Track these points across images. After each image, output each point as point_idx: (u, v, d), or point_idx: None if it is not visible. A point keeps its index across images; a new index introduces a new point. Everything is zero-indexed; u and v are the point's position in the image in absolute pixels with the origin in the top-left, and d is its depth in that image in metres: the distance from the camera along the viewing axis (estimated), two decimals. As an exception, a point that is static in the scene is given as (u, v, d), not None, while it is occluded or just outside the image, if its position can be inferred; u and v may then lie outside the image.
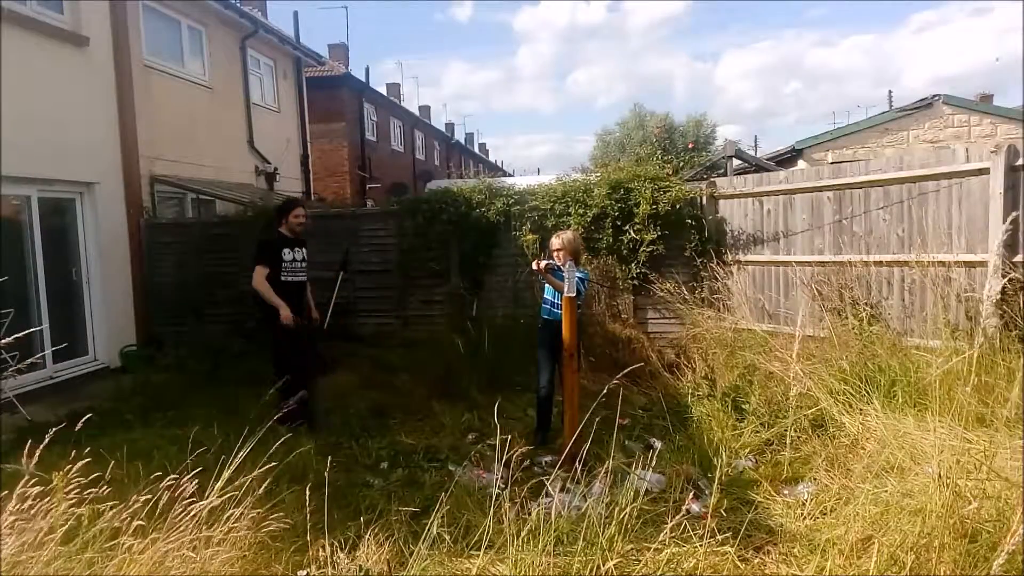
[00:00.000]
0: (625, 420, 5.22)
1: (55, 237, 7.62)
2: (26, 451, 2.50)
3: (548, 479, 3.25)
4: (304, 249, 5.62)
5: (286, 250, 5.43)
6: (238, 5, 12.44)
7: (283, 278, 5.39)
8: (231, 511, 2.61)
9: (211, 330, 8.17)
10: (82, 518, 2.47)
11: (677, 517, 2.70)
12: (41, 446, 2.51)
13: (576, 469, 3.41)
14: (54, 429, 2.71)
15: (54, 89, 7.42)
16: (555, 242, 4.90)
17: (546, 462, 4.47)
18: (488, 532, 2.77)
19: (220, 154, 11.60)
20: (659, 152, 17.43)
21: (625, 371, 3.69)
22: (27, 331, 3.20)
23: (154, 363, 7.87)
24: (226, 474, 2.69)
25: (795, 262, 6.71)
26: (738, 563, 2.92)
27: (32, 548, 2.25)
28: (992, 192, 5.35)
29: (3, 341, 2.88)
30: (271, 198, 10.98)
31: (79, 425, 2.97)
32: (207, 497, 2.60)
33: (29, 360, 4.09)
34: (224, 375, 6.86)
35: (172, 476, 2.68)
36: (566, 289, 4.33)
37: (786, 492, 3.77)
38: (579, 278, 4.55)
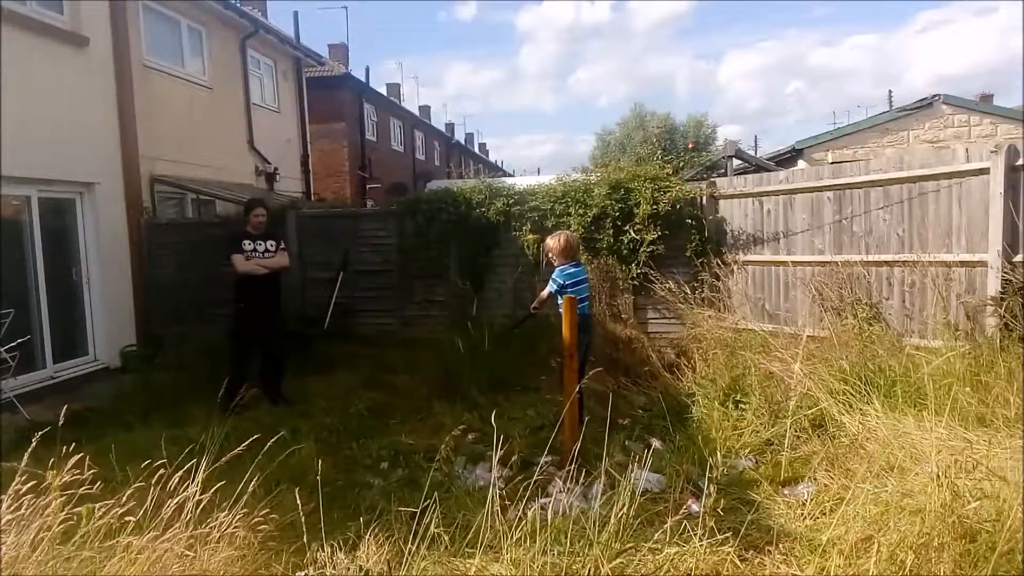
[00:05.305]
0: (625, 420, 5.22)
1: (55, 237, 7.61)
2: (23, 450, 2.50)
3: (548, 478, 3.25)
4: (269, 241, 6.38)
5: (247, 242, 6.25)
6: (238, 5, 12.44)
7: None
8: (229, 511, 2.61)
9: (211, 330, 8.16)
10: (79, 516, 2.46)
11: (676, 516, 2.70)
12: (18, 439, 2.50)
13: (575, 469, 3.41)
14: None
15: (54, 89, 7.41)
16: (549, 243, 5.22)
17: (546, 462, 4.47)
18: (486, 532, 2.76)
19: (220, 154, 11.59)
20: (659, 152, 17.44)
21: (625, 373, 3.70)
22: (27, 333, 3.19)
23: (154, 363, 7.87)
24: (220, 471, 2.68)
25: (795, 262, 6.71)
26: (738, 563, 2.92)
27: (30, 546, 2.25)
28: (992, 192, 5.34)
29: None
30: (271, 198, 10.99)
31: (61, 421, 2.97)
32: (204, 495, 2.59)
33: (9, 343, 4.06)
34: (224, 375, 6.85)
35: (168, 475, 2.67)
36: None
37: (786, 492, 3.76)
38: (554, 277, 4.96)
